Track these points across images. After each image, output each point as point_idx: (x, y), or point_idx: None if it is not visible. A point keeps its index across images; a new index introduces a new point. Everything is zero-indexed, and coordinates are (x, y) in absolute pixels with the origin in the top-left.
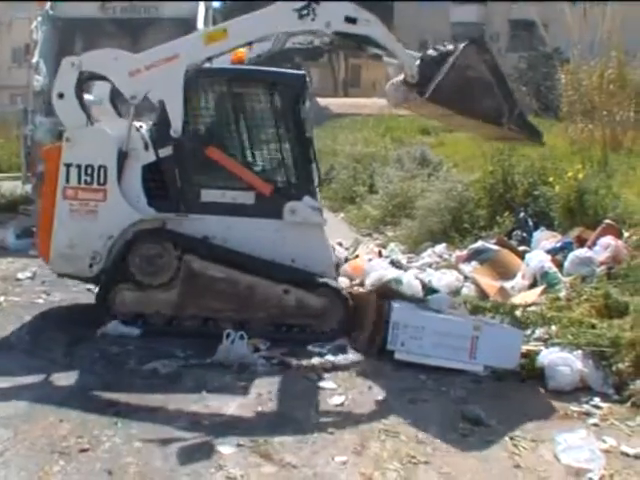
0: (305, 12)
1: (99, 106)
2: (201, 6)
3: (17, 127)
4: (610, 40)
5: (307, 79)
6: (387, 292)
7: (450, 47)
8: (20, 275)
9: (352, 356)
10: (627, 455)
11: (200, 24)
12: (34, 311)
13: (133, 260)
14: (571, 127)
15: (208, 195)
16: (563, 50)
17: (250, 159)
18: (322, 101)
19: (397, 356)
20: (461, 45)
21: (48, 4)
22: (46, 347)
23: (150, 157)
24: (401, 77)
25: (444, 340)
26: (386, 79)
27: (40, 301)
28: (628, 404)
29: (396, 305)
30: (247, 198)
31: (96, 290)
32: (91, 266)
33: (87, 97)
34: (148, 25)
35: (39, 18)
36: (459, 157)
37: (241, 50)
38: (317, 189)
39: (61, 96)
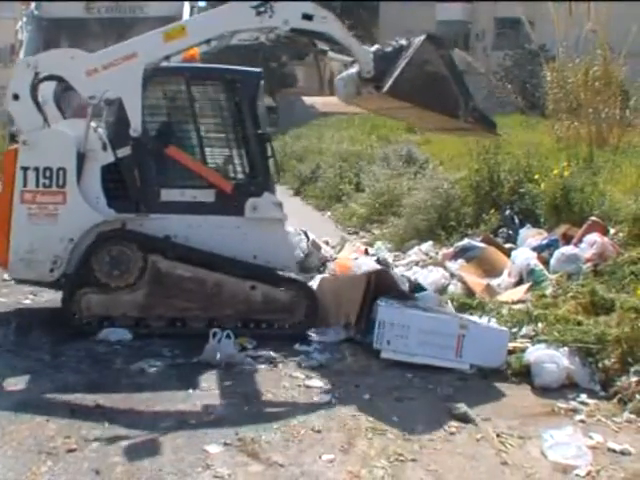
0: (262, 9)
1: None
2: (186, 5)
3: (2, 127)
4: (595, 37)
5: (262, 76)
6: (382, 277)
7: (403, 42)
8: (6, 276)
9: (339, 355)
10: (614, 451)
11: None
12: (21, 312)
13: (96, 263)
14: (557, 124)
15: (168, 194)
16: (549, 48)
17: (209, 157)
18: (308, 100)
19: (383, 355)
20: (417, 40)
21: (33, 4)
22: (33, 347)
23: (109, 157)
24: (351, 72)
25: (430, 338)
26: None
27: (27, 302)
28: (614, 400)
29: (382, 304)
30: (207, 196)
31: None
32: (52, 270)
33: None
34: (134, 25)
35: (24, 18)
36: (445, 155)
37: (195, 48)
38: (274, 184)
39: (16, 97)
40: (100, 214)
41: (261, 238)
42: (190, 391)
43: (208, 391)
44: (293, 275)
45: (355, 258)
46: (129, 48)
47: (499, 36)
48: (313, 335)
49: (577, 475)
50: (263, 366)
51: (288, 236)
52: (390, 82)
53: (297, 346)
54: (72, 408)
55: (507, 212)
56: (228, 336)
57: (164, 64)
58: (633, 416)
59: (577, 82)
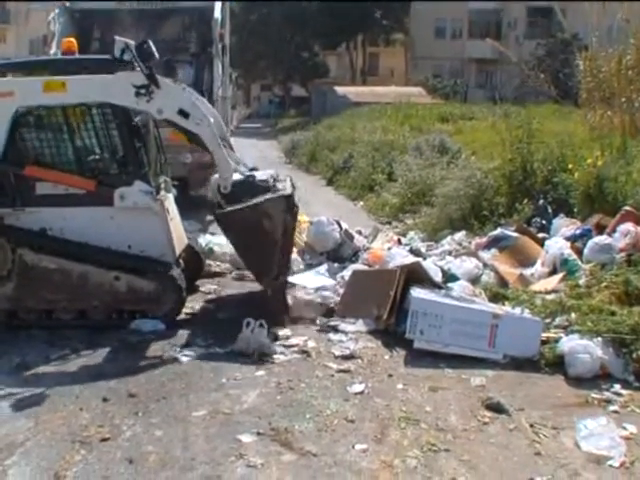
0: (143, 92)
1: None
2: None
3: None
4: (628, 26)
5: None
6: (415, 271)
7: (270, 178)
8: None
9: (372, 344)
10: None
11: (217, 13)
12: None
13: None
14: (590, 114)
15: (43, 188)
16: (581, 36)
17: (72, 155)
18: (340, 90)
19: (416, 345)
20: (276, 194)
21: None
22: (67, 337)
23: None
24: (215, 179)
25: (463, 328)
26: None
27: None
28: None
29: (415, 294)
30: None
31: None
32: None
33: None
34: (165, 15)
35: (56, 10)
36: (478, 145)
37: (71, 40)
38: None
39: None
40: None
41: (134, 227)
42: (223, 380)
43: (241, 380)
44: (158, 265)
45: (388, 248)
46: (8, 85)
47: (531, 25)
48: (345, 325)
49: (610, 466)
50: (296, 356)
51: (162, 224)
52: (224, 211)
53: (331, 335)
54: (105, 397)
55: (540, 202)
56: (261, 325)
57: (24, 59)
58: None
59: (610, 71)
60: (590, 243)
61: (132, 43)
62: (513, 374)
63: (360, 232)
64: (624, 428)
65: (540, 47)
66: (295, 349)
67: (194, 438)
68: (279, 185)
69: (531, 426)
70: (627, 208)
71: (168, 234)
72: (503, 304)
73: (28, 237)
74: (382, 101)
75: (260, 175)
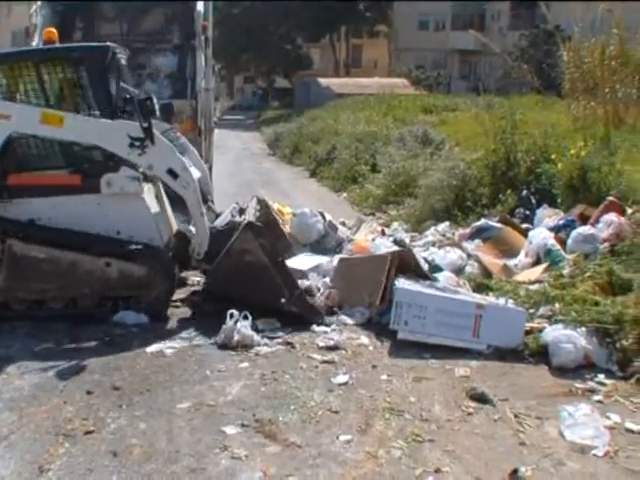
0: (137, 144)
1: None
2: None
3: None
4: (611, 17)
5: (115, 51)
6: (406, 258)
7: (237, 218)
8: None
9: (356, 335)
10: (631, 431)
11: (200, 6)
12: None
13: None
14: (573, 104)
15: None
16: (564, 28)
17: (57, 149)
18: (323, 81)
19: (400, 335)
20: (240, 228)
21: None
22: (52, 330)
23: None
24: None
25: (448, 319)
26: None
27: None
28: (632, 381)
29: (399, 285)
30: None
31: None
32: None
33: None
34: (148, 8)
35: (39, 2)
36: (461, 136)
37: (51, 30)
38: None
39: None
40: None
41: (121, 213)
42: (207, 373)
43: (225, 372)
44: (149, 249)
45: (372, 239)
46: (7, 108)
47: (515, 16)
48: (341, 317)
49: (595, 455)
50: (280, 347)
51: (149, 210)
52: (210, 276)
53: (314, 327)
54: (89, 390)
55: (524, 192)
56: (245, 317)
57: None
58: None
59: (593, 62)
60: (573, 233)
61: (136, 93)
62: (497, 364)
63: (344, 223)
64: (608, 417)
65: (523, 38)
66: (279, 340)
67: (178, 430)
68: (240, 217)
69: (515, 416)
70: (610, 198)
71: (156, 219)
72: (487, 295)
73: (16, 227)
74: (365, 92)
75: (221, 221)
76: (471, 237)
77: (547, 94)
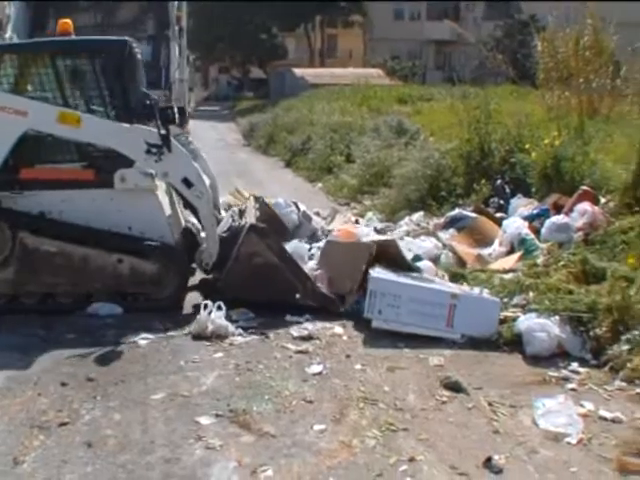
0: (154, 151)
1: None
2: None
3: None
4: (586, 7)
5: (132, 45)
6: (389, 247)
7: (240, 221)
8: None
9: (330, 325)
10: (605, 419)
11: None
12: None
13: None
14: (548, 94)
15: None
16: (539, 18)
17: (71, 145)
18: (298, 71)
19: (374, 324)
20: (244, 232)
21: None
22: (26, 322)
23: None
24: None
25: (422, 308)
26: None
27: None
28: (606, 369)
29: (373, 274)
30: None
31: None
32: None
33: None
34: (121, 1)
35: None
36: (436, 126)
37: (67, 21)
38: None
39: None
40: None
41: (134, 209)
42: (181, 363)
43: (199, 363)
44: (162, 246)
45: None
46: (25, 105)
47: (489, 7)
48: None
49: (568, 443)
50: (254, 337)
51: (161, 206)
52: (222, 283)
53: (288, 317)
54: (64, 382)
55: (498, 182)
56: (219, 308)
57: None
58: (624, 384)
59: (568, 52)
60: (547, 223)
61: (157, 100)
62: (471, 353)
63: (318, 213)
64: (581, 405)
65: (498, 28)
66: (253, 331)
67: (153, 421)
68: (241, 220)
69: (489, 404)
70: (584, 188)
71: (168, 216)
72: (461, 284)
73: (29, 220)
74: (340, 83)
75: (222, 226)
76: (445, 227)
77: (522, 84)
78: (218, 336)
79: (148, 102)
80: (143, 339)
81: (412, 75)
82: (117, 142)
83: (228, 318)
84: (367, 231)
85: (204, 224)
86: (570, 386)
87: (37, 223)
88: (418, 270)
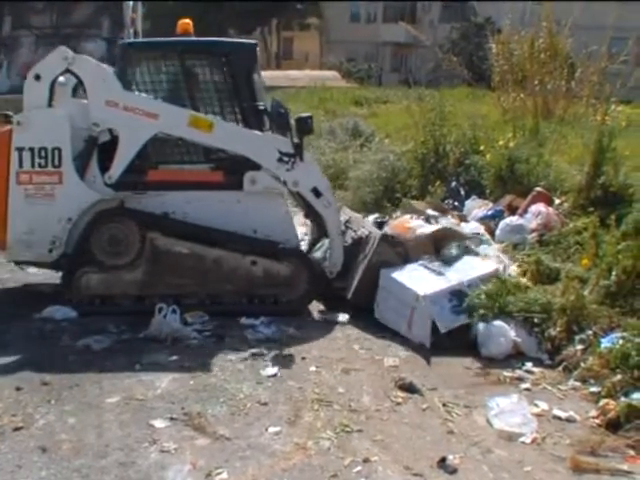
0: (286, 160)
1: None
2: None
3: None
4: (541, 10)
5: (257, 47)
6: (446, 234)
7: (363, 231)
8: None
9: (285, 328)
10: (559, 418)
11: None
12: None
13: (96, 242)
14: (503, 96)
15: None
16: (494, 20)
17: (200, 148)
18: None
19: (376, 315)
20: (372, 239)
21: None
22: None
23: (105, 136)
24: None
25: (398, 305)
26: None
27: None
28: (560, 369)
29: (384, 271)
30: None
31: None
32: (51, 251)
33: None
34: (76, 2)
35: None
36: (392, 128)
37: (187, 21)
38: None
39: (37, 78)
40: (98, 193)
41: (261, 212)
42: (136, 366)
43: (154, 366)
44: (295, 249)
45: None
46: (156, 107)
47: (445, 9)
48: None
49: (522, 442)
50: (209, 340)
51: (288, 209)
52: (351, 291)
53: (243, 320)
54: (18, 386)
55: (453, 184)
56: (174, 311)
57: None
58: (578, 383)
59: (523, 54)
60: (502, 224)
61: (288, 109)
62: (426, 354)
63: None
64: (535, 405)
65: (454, 31)
66: (208, 333)
67: (108, 425)
68: (359, 230)
69: (444, 405)
70: (538, 189)
71: (292, 219)
72: None
73: (158, 221)
74: (296, 85)
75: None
76: None
77: (478, 86)
78: (173, 339)
79: (282, 110)
80: (97, 342)
81: (368, 77)
82: (248, 149)
83: (183, 321)
84: (420, 223)
85: (330, 233)
86: (524, 386)
87: (163, 224)
88: (478, 238)
